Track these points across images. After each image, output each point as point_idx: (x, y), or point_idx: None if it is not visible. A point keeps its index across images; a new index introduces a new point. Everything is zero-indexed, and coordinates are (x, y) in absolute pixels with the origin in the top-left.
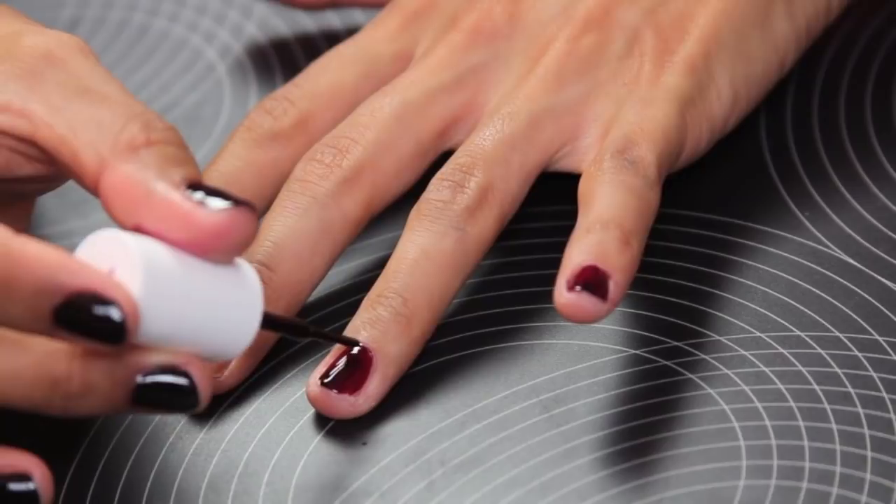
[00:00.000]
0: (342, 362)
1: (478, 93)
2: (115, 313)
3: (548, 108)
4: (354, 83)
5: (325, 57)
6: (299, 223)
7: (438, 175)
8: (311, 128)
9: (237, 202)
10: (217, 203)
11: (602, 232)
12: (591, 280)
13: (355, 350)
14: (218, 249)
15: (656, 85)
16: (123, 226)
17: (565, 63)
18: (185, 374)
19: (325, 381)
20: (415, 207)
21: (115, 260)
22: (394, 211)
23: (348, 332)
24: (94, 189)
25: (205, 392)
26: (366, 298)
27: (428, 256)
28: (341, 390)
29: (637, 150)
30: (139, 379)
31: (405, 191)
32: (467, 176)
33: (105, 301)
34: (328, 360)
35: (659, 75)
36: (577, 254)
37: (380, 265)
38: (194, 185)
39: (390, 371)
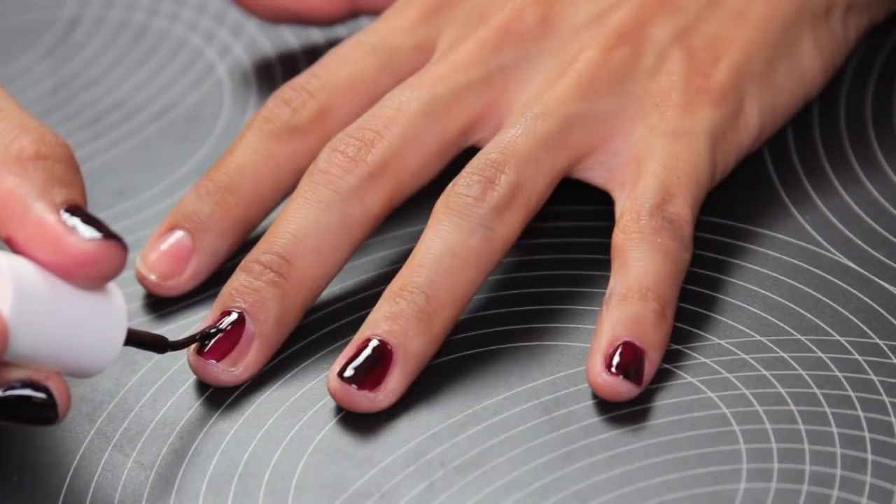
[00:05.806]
0: (363, 355)
1: (503, 93)
2: None
3: (580, 114)
4: (374, 74)
5: (344, 46)
6: (322, 217)
7: (468, 168)
8: (329, 121)
9: (108, 235)
10: (89, 233)
11: (640, 303)
12: (629, 361)
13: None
14: (83, 277)
15: (688, 115)
16: None
17: (597, 73)
18: (44, 388)
19: (346, 376)
20: (442, 200)
21: None
22: (405, 204)
23: (368, 324)
24: None
25: (63, 407)
26: (387, 290)
27: (454, 254)
28: (361, 386)
29: (674, 206)
30: None
31: (424, 186)
32: (498, 173)
33: None
34: (346, 352)
35: (691, 101)
36: (615, 326)
37: (390, 261)
38: (73, 210)
39: (410, 367)
